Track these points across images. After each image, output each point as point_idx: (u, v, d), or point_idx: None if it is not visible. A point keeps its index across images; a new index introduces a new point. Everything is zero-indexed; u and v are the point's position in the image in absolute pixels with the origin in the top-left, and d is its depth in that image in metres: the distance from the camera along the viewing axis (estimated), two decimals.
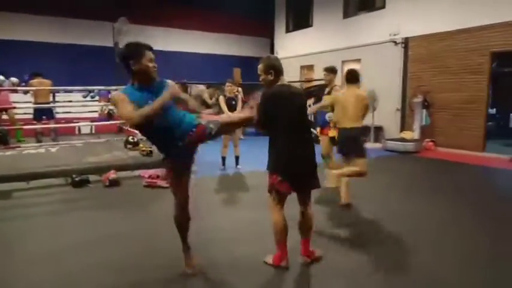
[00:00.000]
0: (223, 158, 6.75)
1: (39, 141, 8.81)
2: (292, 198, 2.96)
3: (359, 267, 3.04)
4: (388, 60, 10.28)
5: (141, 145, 6.66)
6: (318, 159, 3.11)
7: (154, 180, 5.54)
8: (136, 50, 2.52)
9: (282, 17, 15.16)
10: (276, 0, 15.30)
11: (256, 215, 4.10)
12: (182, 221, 2.85)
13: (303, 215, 3.02)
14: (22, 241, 3.61)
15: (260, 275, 2.89)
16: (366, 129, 4.59)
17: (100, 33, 13.86)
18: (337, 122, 4.61)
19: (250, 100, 2.83)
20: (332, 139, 5.19)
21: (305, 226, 3.04)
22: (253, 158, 7.32)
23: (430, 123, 9.39)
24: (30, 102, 9.62)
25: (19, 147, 7.55)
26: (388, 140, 9.45)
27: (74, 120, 10.92)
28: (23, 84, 10.74)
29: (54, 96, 10.99)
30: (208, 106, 10.43)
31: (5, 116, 9.32)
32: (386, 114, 10.16)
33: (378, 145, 9.64)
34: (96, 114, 12.32)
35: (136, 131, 7.29)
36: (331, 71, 5.41)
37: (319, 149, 4.13)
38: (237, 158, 6.79)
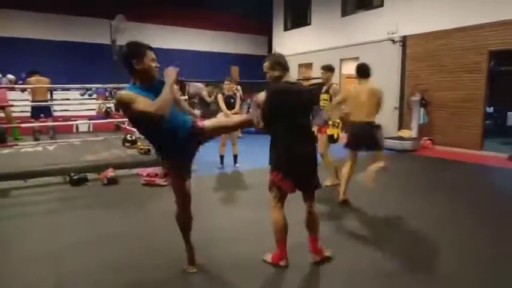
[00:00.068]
0: (222, 157, 6.74)
1: (36, 139, 8.78)
2: (293, 197, 2.96)
3: (357, 266, 3.04)
4: (386, 59, 10.28)
5: (139, 143, 6.65)
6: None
7: (152, 179, 5.54)
8: (138, 50, 2.51)
9: (280, 15, 15.14)
10: None
11: (256, 214, 4.11)
12: (185, 220, 2.85)
13: (309, 213, 3.03)
14: (20, 240, 3.60)
15: (260, 274, 2.89)
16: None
17: (97, 31, 13.83)
18: (349, 116, 4.60)
19: (251, 103, 2.82)
20: (330, 137, 5.19)
21: (312, 224, 3.04)
22: (252, 157, 7.33)
23: (428, 122, 9.40)
24: (27, 100, 9.59)
25: (17, 145, 7.52)
26: (386, 138, 9.41)
27: (72, 118, 10.89)
28: (20, 82, 10.70)
29: (51, 94, 10.96)
30: (207, 104, 10.45)
31: (1, 114, 9.28)
32: (384, 113, 10.05)
33: None
34: (93, 112, 12.30)
35: (135, 130, 7.31)
36: (328, 69, 5.41)
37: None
38: (235, 156, 6.78)
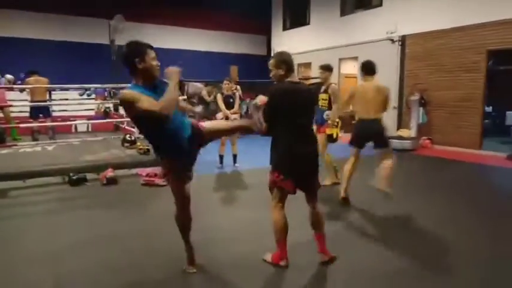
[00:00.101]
0: (221, 156, 6.74)
1: (35, 139, 8.77)
2: (293, 197, 2.95)
3: (357, 265, 3.05)
4: (385, 58, 10.26)
5: (138, 143, 6.64)
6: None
7: (152, 179, 5.53)
8: (139, 49, 2.50)
9: (279, 15, 15.13)
10: None
11: (255, 214, 4.10)
12: (184, 221, 2.84)
13: (312, 213, 3.03)
14: (19, 240, 3.59)
15: (260, 273, 2.89)
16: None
17: (96, 31, 13.81)
18: (355, 113, 4.60)
19: (251, 106, 2.82)
20: (329, 137, 5.20)
21: (317, 223, 3.04)
22: (251, 157, 7.34)
23: (426, 121, 9.42)
24: (26, 100, 9.57)
25: (16, 145, 7.51)
26: None
27: (71, 118, 10.87)
28: (19, 82, 10.69)
29: (50, 94, 10.95)
30: (206, 103, 10.44)
31: (0, 114, 9.27)
32: None
33: None
34: (92, 113, 12.29)
35: (134, 129, 7.31)
36: (326, 68, 5.41)
37: None
38: (234, 156, 6.78)
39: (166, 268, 2.97)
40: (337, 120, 5.22)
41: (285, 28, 14.95)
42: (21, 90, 9.94)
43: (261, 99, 2.81)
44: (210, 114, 7.98)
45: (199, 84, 11.42)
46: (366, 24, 11.09)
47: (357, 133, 4.58)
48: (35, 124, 8.89)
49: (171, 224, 2.87)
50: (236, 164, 6.80)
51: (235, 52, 16.94)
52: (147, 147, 6.23)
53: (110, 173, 5.56)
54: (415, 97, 9.39)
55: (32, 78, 8.92)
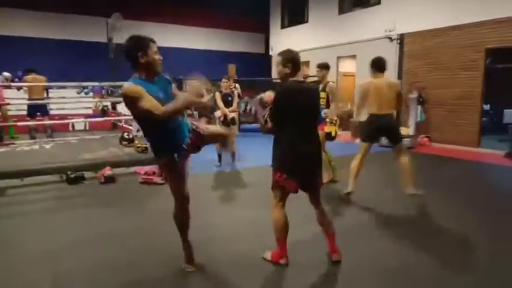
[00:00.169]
0: (220, 155, 6.73)
1: (33, 137, 8.73)
2: (293, 196, 2.94)
3: (357, 263, 3.05)
4: (383, 57, 10.27)
5: (136, 142, 6.62)
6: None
7: (150, 177, 5.52)
8: (142, 42, 2.49)
9: (277, 13, 15.12)
10: None
11: (254, 212, 4.10)
12: (182, 219, 2.83)
13: (318, 213, 3.02)
14: (17, 238, 3.58)
15: (260, 272, 2.88)
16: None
17: (94, 29, 13.78)
18: (369, 109, 4.61)
19: (254, 102, 2.81)
20: (328, 135, 5.19)
21: (324, 222, 3.03)
22: (250, 155, 7.34)
23: (425, 119, 9.43)
24: (23, 98, 9.52)
25: (13, 144, 7.48)
26: None
27: (68, 117, 10.84)
28: (17, 80, 10.64)
29: (47, 93, 10.90)
30: None
31: None
32: None
33: None
34: (90, 111, 12.26)
35: (132, 128, 7.29)
36: (324, 67, 5.42)
37: None
38: (233, 154, 6.77)
39: (165, 266, 2.96)
40: (336, 118, 5.22)
41: (283, 26, 14.94)
42: (19, 88, 9.90)
43: (268, 95, 2.80)
44: (208, 113, 7.97)
45: (196, 82, 11.38)
46: (364, 23, 11.09)
47: (370, 128, 4.59)
48: (32, 122, 8.86)
49: (170, 222, 2.86)
50: (235, 163, 6.79)
51: (233, 50, 16.92)
52: (145, 146, 6.21)
53: (107, 171, 5.54)
54: (413, 95, 9.40)
55: (29, 77, 8.87)
